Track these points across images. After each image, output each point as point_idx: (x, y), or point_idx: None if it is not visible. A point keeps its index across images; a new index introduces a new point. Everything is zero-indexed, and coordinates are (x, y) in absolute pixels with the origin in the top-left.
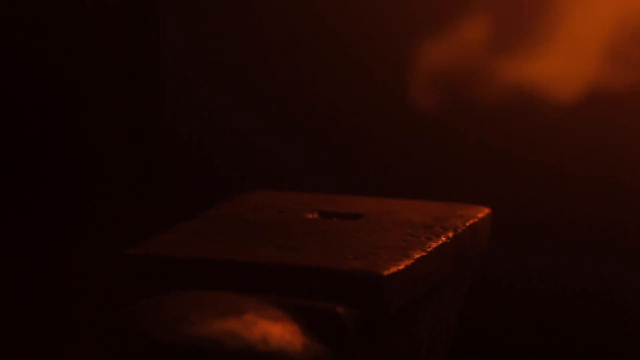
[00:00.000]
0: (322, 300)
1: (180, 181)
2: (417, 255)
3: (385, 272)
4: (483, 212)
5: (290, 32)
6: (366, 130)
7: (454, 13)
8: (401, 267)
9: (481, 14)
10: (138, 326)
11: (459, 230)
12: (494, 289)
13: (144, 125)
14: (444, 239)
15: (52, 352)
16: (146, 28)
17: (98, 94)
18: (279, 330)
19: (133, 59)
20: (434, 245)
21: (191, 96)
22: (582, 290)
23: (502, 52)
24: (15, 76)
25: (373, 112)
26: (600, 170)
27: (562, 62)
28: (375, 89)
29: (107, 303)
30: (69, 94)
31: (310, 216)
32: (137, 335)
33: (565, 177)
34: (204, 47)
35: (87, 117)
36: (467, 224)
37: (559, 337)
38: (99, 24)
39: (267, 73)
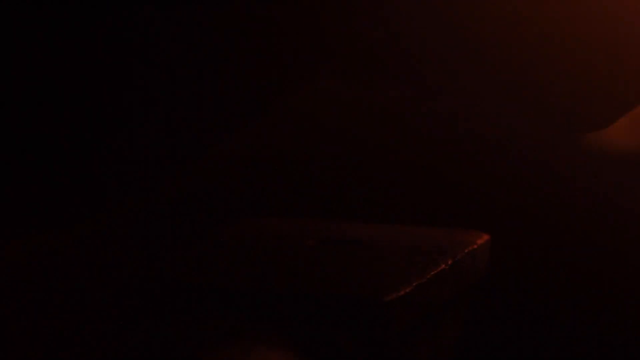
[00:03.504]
0: (322, 326)
1: (176, 206)
2: (416, 282)
3: (385, 298)
4: (482, 238)
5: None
6: (366, 156)
7: None
8: (401, 293)
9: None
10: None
11: (458, 257)
12: (493, 313)
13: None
14: (443, 265)
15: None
16: None
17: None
18: (278, 357)
19: None
20: (433, 271)
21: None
22: (581, 319)
23: None
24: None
25: (372, 137)
26: (604, 200)
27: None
28: (374, 114)
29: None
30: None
31: (309, 243)
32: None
33: (568, 204)
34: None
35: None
36: (466, 251)
37: None
38: None
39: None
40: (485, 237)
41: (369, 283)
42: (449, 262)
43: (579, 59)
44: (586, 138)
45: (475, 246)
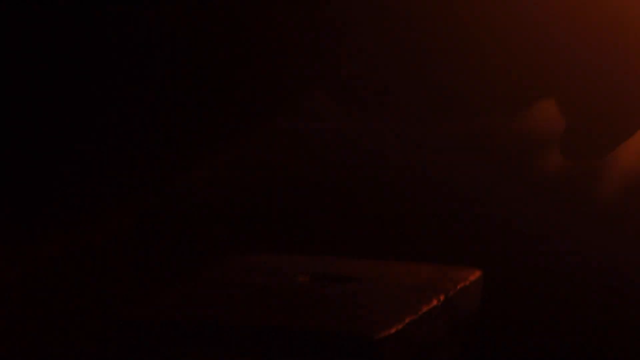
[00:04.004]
0: None
1: (167, 242)
2: (408, 319)
3: (377, 335)
4: (474, 274)
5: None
6: (358, 192)
7: None
8: (393, 330)
9: None
10: None
11: (450, 293)
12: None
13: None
14: (435, 302)
15: None
16: None
17: None
18: None
19: None
20: (425, 308)
21: None
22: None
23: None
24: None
25: (364, 175)
26: (593, 236)
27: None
28: (365, 151)
29: None
30: None
31: (301, 279)
32: None
33: (557, 239)
34: None
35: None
36: (459, 287)
37: None
38: None
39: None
40: (478, 272)
41: (361, 320)
42: (441, 299)
43: (573, 94)
44: (579, 167)
45: (467, 282)
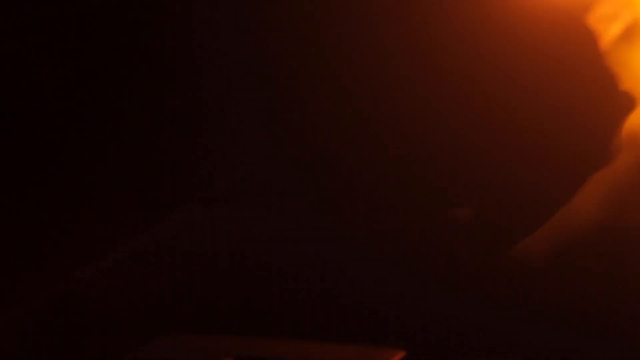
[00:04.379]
0: None
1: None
2: None
3: None
4: (397, 355)
5: None
6: (283, 271)
7: None
8: None
9: None
10: None
11: None
12: None
13: None
14: None
15: None
16: None
17: None
18: None
19: None
20: None
21: None
22: None
23: None
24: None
25: (288, 258)
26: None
27: None
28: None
29: None
30: None
31: None
32: None
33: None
34: None
35: None
36: None
37: None
38: None
39: None
40: (401, 353)
41: None
42: None
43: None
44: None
45: None
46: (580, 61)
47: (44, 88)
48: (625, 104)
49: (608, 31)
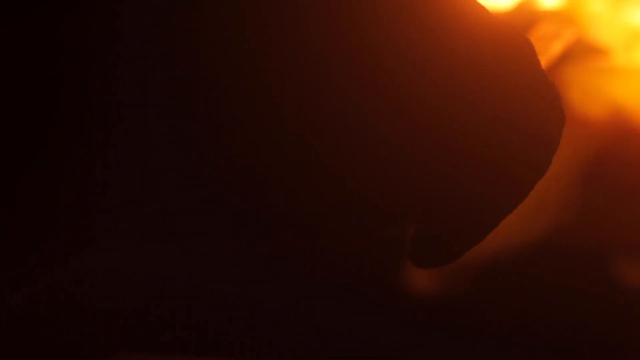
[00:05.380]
0: None
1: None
2: None
3: None
4: None
5: None
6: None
7: None
8: None
9: None
10: None
11: None
12: None
13: None
14: None
15: None
16: None
17: None
18: None
19: None
20: None
21: None
22: None
23: None
24: None
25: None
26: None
27: None
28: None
29: None
30: None
31: None
32: None
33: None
34: None
35: None
36: None
37: None
38: None
39: None
40: None
41: None
42: None
43: None
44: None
45: None
46: (521, 73)
47: None
48: (562, 118)
49: (549, 50)
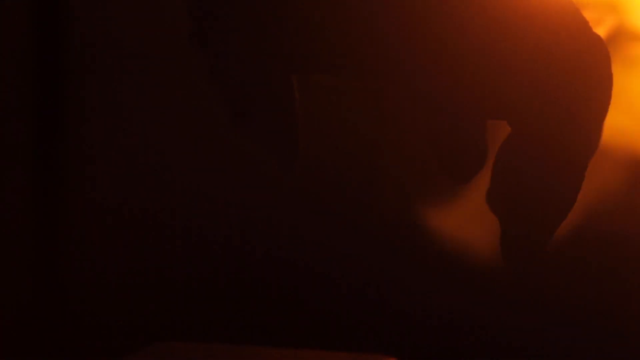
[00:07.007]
0: None
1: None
2: None
3: None
4: None
5: None
6: (273, 279)
7: None
8: None
9: None
10: None
11: None
12: None
13: None
14: None
15: None
16: None
17: None
18: None
19: None
20: None
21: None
22: None
23: None
24: None
25: (276, 262)
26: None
27: None
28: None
29: None
30: None
31: None
32: None
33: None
34: None
35: None
36: None
37: None
38: None
39: None
40: None
41: None
42: None
43: None
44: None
45: None
46: (598, 74)
47: None
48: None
49: None
